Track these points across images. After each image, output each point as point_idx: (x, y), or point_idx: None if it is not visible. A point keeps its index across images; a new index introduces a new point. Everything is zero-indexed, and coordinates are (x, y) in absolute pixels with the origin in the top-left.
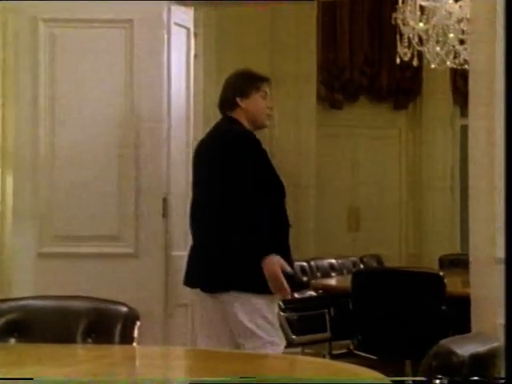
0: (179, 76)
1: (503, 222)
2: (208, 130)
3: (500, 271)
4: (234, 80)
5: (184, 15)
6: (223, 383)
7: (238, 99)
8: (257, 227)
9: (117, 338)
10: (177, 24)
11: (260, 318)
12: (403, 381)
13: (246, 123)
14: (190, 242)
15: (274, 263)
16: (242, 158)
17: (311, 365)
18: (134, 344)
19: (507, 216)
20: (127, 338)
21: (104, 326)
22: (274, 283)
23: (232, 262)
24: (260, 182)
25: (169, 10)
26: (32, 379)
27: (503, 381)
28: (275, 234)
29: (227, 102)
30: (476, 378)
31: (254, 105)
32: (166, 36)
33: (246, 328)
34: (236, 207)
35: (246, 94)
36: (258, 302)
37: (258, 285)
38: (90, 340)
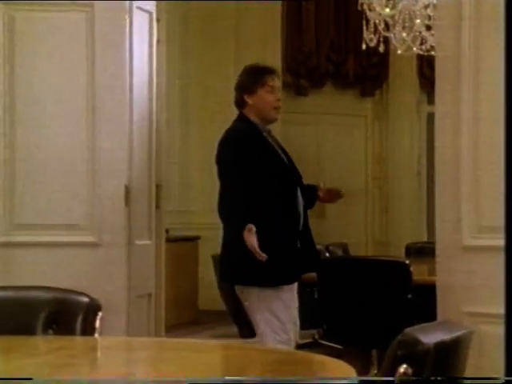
0: (141, 61)
1: (503, 214)
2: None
3: (466, 258)
4: (241, 77)
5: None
6: (223, 383)
7: (245, 97)
8: (236, 213)
9: (78, 329)
10: (139, 8)
11: (263, 313)
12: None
13: (256, 119)
14: (154, 230)
15: (246, 230)
16: (224, 155)
17: (277, 355)
18: (96, 335)
19: (507, 207)
20: (89, 329)
21: (65, 316)
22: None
23: (230, 256)
24: (242, 173)
25: None
26: (31, 379)
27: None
28: (257, 217)
29: (237, 101)
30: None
31: (260, 101)
32: (127, 21)
33: (256, 325)
34: (225, 200)
35: (252, 91)
36: (266, 295)
37: (258, 276)
38: (50, 331)
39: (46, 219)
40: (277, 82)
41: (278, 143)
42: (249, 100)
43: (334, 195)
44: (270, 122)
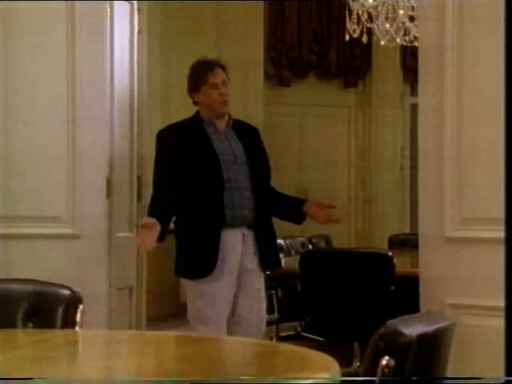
0: (122, 51)
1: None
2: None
3: (449, 250)
4: (188, 76)
5: None
6: (223, 383)
7: (193, 95)
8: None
9: (59, 321)
10: None
11: (189, 303)
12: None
13: (207, 115)
14: (135, 223)
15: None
16: (155, 147)
17: (258, 347)
18: (77, 328)
19: (507, 201)
20: (69, 322)
21: (45, 309)
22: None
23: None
24: (167, 167)
25: None
26: (32, 379)
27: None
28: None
29: (190, 98)
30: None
31: (206, 98)
32: (108, 10)
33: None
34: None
35: (197, 90)
36: (188, 286)
37: (178, 267)
38: (30, 324)
39: (26, 211)
40: (219, 77)
41: (235, 140)
42: (196, 98)
43: (324, 217)
44: (219, 117)
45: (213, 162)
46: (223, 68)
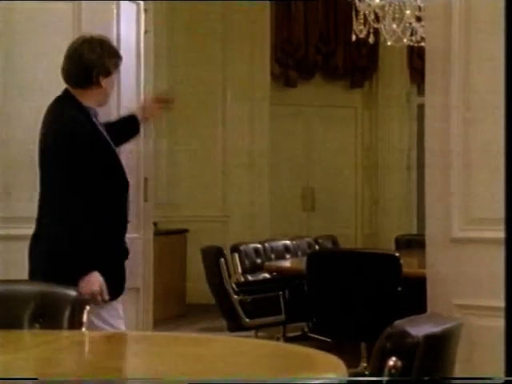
0: (129, 52)
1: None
2: None
3: (456, 251)
4: (96, 53)
5: None
6: (223, 383)
7: (100, 78)
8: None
9: (65, 322)
10: None
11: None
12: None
13: (90, 103)
14: (142, 224)
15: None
16: (55, 145)
17: (265, 348)
18: (83, 329)
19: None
20: (76, 323)
21: (52, 310)
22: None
23: None
24: (74, 169)
25: None
26: (36, 379)
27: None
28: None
29: (84, 78)
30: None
31: (111, 85)
32: (115, 11)
33: None
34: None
35: (109, 73)
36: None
37: None
38: (37, 325)
39: (34, 213)
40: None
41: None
42: (103, 82)
43: (160, 107)
44: (102, 106)
45: (115, 161)
46: None
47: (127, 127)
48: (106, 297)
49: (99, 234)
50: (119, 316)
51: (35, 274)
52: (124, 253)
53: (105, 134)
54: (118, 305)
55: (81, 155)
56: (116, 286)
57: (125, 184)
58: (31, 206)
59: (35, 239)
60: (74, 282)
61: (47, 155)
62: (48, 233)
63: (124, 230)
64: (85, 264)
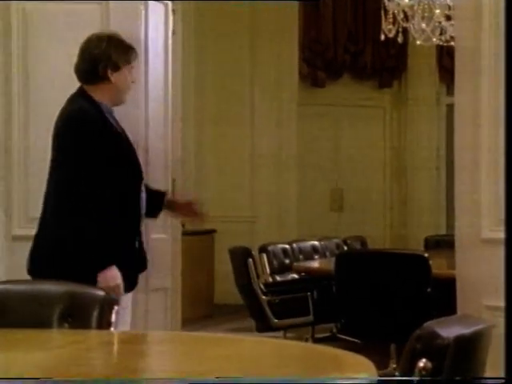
0: (157, 53)
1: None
2: None
3: (485, 252)
4: (103, 48)
5: None
6: (223, 383)
7: (109, 72)
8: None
9: (94, 322)
10: None
11: None
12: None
13: (104, 99)
14: (169, 224)
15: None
16: (64, 140)
17: (293, 349)
18: (112, 329)
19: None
20: (104, 323)
21: (81, 310)
22: None
23: None
24: (84, 163)
25: None
26: (38, 379)
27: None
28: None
29: (93, 73)
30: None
31: (123, 79)
32: (143, 12)
33: None
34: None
35: (118, 67)
36: None
37: None
38: (66, 325)
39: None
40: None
41: (122, 128)
42: (112, 77)
43: (192, 213)
44: (117, 105)
45: (128, 156)
46: None
47: (150, 201)
48: (122, 292)
49: (107, 227)
50: (126, 306)
51: (35, 273)
52: (134, 246)
53: (117, 127)
54: (126, 296)
55: (87, 143)
56: (128, 280)
57: (137, 177)
58: None
59: (37, 238)
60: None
61: (55, 144)
62: (52, 231)
63: (135, 222)
64: (96, 259)
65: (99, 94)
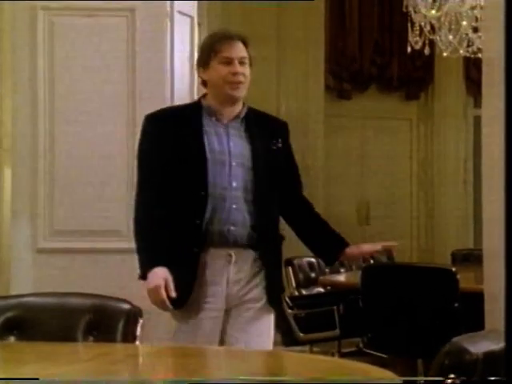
0: (182, 67)
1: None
2: None
3: None
4: (199, 46)
5: (187, 4)
6: (223, 383)
7: (200, 72)
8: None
9: (119, 335)
10: (180, 13)
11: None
12: (415, 381)
13: (213, 99)
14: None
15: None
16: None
17: (321, 363)
18: (137, 342)
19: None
20: (129, 336)
21: (106, 323)
22: None
23: None
24: (148, 164)
25: None
26: (38, 379)
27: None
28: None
29: (198, 77)
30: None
31: (214, 74)
32: (169, 25)
33: None
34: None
35: (206, 63)
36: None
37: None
38: (91, 338)
39: (86, 225)
40: (235, 52)
41: (241, 136)
42: (203, 75)
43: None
44: (225, 102)
45: (196, 161)
46: (245, 43)
47: (327, 246)
48: (173, 294)
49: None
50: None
51: None
52: (189, 257)
53: (208, 133)
54: (183, 318)
55: (145, 151)
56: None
57: (203, 188)
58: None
59: None
60: None
61: None
62: None
63: (189, 230)
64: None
65: (209, 96)
